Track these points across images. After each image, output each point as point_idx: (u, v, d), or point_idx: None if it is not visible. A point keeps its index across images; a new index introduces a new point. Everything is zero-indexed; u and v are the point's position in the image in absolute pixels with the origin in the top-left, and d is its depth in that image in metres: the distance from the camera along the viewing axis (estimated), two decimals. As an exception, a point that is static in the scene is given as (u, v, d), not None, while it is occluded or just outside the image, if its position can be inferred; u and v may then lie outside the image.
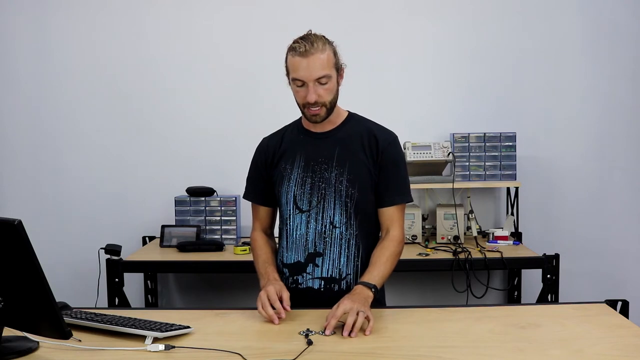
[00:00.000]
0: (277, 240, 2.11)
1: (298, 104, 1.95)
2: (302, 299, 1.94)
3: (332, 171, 1.96)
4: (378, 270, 1.88)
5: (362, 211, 1.97)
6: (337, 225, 1.96)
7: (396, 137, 2.04)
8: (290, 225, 1.99)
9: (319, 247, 1.96)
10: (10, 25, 3.51)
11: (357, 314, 1.67)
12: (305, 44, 1.85)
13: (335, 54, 1.91)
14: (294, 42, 1.88)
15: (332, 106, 1.94)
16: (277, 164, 2.03)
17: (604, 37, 3.47)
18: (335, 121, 2.01)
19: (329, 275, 1.96)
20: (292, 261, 2.00)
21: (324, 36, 1.91)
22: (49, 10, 3.49)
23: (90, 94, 3.53)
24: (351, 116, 2.06)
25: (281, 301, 1.80)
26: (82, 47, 3.51)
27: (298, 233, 1.98)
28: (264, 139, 2.12)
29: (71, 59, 3.51)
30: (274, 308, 1.78)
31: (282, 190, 2.00)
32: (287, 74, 1.93)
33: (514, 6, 3.47)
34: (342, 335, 1.64)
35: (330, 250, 1.96)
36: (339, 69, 1.93)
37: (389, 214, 1.99)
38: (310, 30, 1.92)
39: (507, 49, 3.49)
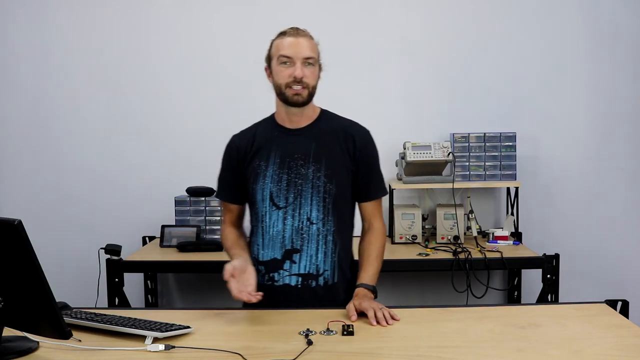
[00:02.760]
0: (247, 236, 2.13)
1: (279, 87, 1.96)
2: (279, 296, 1.94)
3: (308, 167, 1.97)
4: (372, 267, 1.98)
5: (339, 207, 1.99)
6: (314, 221, 1.97)
7: (369, 132, 2.07)
8: (266, 222, 1.99)
9: (296, 244, 1.97)
10: (11, 25, 3.50)
11: (380, 309, 1.77)
12: (297, 28, 1.95)
13: (318, 50, 1.99)
14: (282, 30, 1.97)
15: (312, 92, 1.97)
16: (250, 161, 2.02)
17: (604, 37, 3.47)
18: (311, 116, 2.03)
19: (306, 272, 1.97)
20: (269, 258, 1.99)
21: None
22: (50, 10, 3.49)
23: (90, 93, 3.53)
24: (323, 112, 2.08)
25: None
26: (83, 47, 3.51)
27: (275, 230, 1.98)
28: (234, 137, 2.11)
29: (72, 59, 3.51)
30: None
31: (257, 188, 1.99)
32: (269, 62, 1.98)
33: (514, 6, 3.47)
34: (372, 324, 1.72)
35: (307, 246, 1.97)
36: (320, 65, 2.00)
37: (370, 208, 2.07)
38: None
39: (507, 49, 3.49)
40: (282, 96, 1.97)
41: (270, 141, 2.02)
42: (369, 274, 1.95)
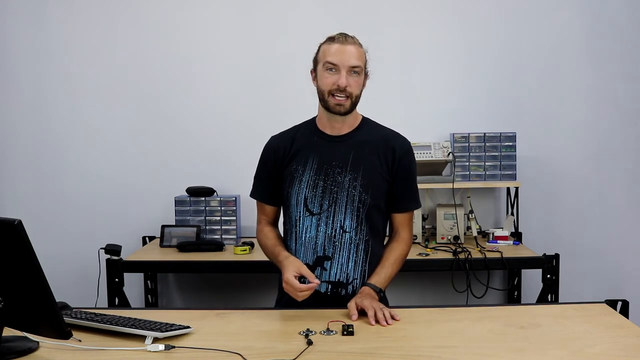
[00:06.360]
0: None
1: (322, 93, 1.94)
2: (308, 302, 1.93)
3: (345, 175, 1.95)
4: (386, 272, 1.96)
5: (372, 217, 1.98)
6: (347, 229, 1.96)
7: (410, 144, 2.05)
8: (299, 228, 1.99)
9: (328, 251, 1.96)
10: (10, 25, 3.50)
11: (381, 309, 1.77)
12: (345, 35, 1.93)
13: (366, 57, 1.97)
14: (331, 35, 1.94)
15: (355, 102, 1.96)
16: (287, 164, 2.01)
17: (604, 37, 3.47)
18: (352, 124, 2.02)
19: (336, 279, 1.97)
20: None
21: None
22: (50, 9, 3.49)
23: (90, 94, 3.53)
24: (365, 121, 2.06)
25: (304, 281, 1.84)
26: (82, 47, 3.51)
27: (307, 236, 1.97)
28: (273, 137, 2.09)
29: (72, 59, 3.51)
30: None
31: (292, 192, 1.98)
32: (315, 66, 1.96)
33: (513, 6, 3.47)
34: (371, 324, 1.72)
35: (339, 254, 1.97)
36: (366, 73, 1.98)
37: (401, 218, 2.06)
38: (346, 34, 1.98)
39: (507, 49, 3.49)
40: (324, 102, 1.95)
41: (309, 146, 2.00)
42: (380, 276, 1.94)
